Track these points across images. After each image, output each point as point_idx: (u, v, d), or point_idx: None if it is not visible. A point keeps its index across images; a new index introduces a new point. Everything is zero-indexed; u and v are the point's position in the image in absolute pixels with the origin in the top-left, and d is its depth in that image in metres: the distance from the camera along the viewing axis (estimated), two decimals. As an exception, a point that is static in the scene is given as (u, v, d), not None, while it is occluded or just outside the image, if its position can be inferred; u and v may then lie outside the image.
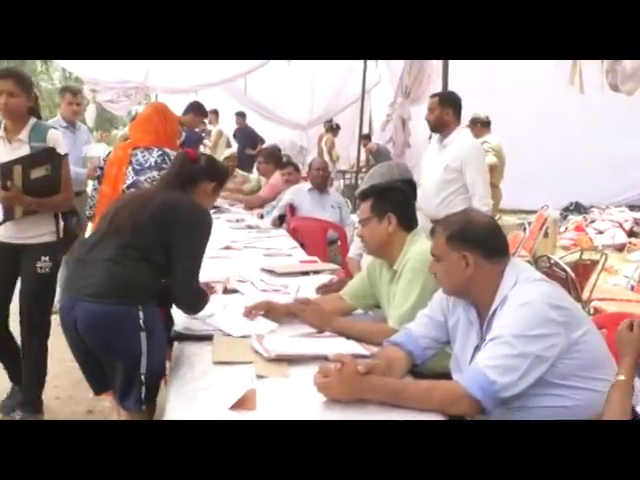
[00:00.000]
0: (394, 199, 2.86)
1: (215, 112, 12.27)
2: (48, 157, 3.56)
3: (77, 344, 2.57)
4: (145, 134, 3.78)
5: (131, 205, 2.69)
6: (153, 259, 2.56)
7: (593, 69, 5.28)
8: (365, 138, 11.46)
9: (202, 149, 11.45)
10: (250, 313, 2.86)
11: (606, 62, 5.07)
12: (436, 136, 4.72)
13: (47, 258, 3.64)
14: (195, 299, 2.72)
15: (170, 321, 2.87)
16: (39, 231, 3.65)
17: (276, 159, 7.17)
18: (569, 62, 7.91)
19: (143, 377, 2.48)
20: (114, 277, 2.49)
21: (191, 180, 2.84)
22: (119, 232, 2.59)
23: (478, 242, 2.16)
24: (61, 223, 3.77)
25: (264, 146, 9.16)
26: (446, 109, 4.54)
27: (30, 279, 3.63)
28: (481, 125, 6.89)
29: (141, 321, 2.46)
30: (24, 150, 3.54)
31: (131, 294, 2.48)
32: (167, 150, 3.74)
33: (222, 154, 10.25)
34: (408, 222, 2.85)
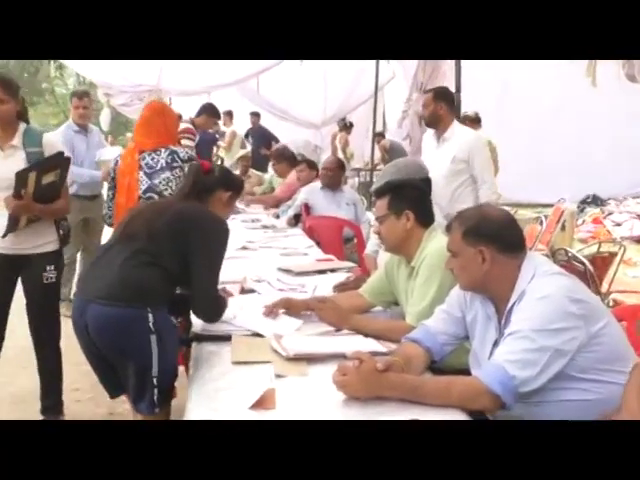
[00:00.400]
0: (411, 195, 2.85)
1: (229, 113, 12.31)
2: (59, 162, 3.50)
3: (89, 347, 2.59)
4: (148, 137, 3.82)
5: (147, 213, 2.73)
6: (166, 265, 2.57)
7: (609, 60, 5.24)
8: (378, 135, 11.45)
9: (216, 150, 11.52)
10: (271, 312, 2.86)
11: (623, 53, 5.04)
12: (431, 131, 4.80)
13: (52, 267, 3.59)
14: (213, 308, 2.72)
15: (188, 323, 2.88)
16: (43, 240, 3.57)
17: (287, 158, 7.18)
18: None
19: (155, 380, 2.49)
20: (124, 280, 2.50)
21: (206, 190, 2.87)
22: (133, 238, 2.61)
23: (494, 237, 2.15)
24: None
25: (274, 147, 9.17)
26: (440, 104, 4.62)
27: (37, 290, 3.57)
28: (470, 122, 6.90)
29: (151, 324, 2.47)
30: (19, 156, 3.44)
31: (141, 297, 2.48)
32: (174, 148, 3.78)
33: (236, 155, 10.30)
34: (425, 218, 2.84)
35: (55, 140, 3.65)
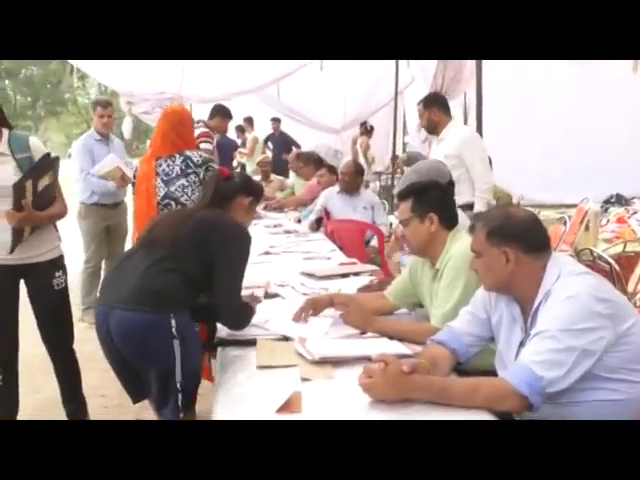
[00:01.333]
0: (434, 198, 2.84)
1: (249, 120, 12.36)
2: (50, 163, 3.39)
3: (113, 353, 2.60)
4: (164, 145, 3.86)
5: (170, 220, 2.76)
6: (189, 272, 2.59)
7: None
8: (394, 158, 11.33)
9: (238, 157, 11.57)
10: (300, 317, 2.87)
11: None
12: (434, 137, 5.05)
13: (60, 272, 3.54)
14: (237, 316, 2.73)
15: (212, 329, 2.90)
16: (48, 247, 3.49)
17: (314, 161, 7.27)
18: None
19: (179, 385, 2.50)
20: (147, 286, 2.52)
21: (227, 197, 2.89)
22: (156, 245, 2.64)
23: (518, 237, 2.14)
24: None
25: (302, 150, 9.24)
26: (432, 109, 4.86)
27: (49, 297, 3.52)
28: None
29: (174, 329, 2.48)
30: (9, 162, 3.30)
31: (163, 302, 2.50)
32: (188, 153, 3.81)
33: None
34: (449, 220, 2.83)
35: (39, 142, 3.51)
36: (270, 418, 1.95)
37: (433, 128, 4.91)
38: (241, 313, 2.74)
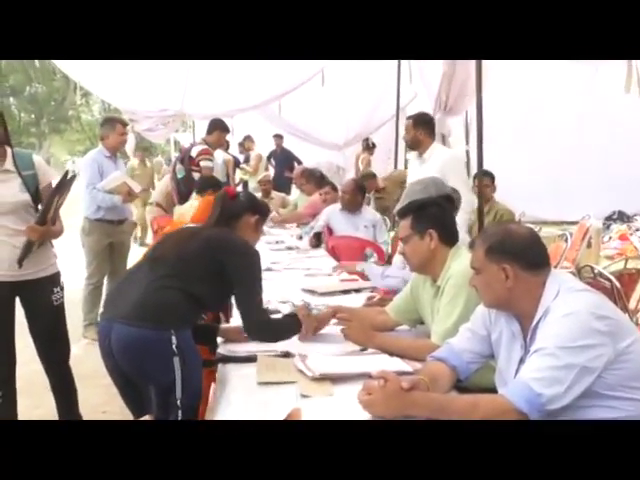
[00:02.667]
0: (433, 215, 2.85)
1: (249, 137, 12.38)
2: (71, 181, 3.47)
3: (114, 368, 2.61)
4: None
5: (177, 237, 2.78)
6: (192, 290, 2.60)
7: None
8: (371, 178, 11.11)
9: (240, 173, 11.60)
10: (306, 337, 2.88)
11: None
12: (414, 153, 5.22)
13: (58, 288, 3.58)
14: (267, 331, 2.76)
15: (214, 346, 2.90)
16: (46, 263, 3.54)
17: (317, 179, 7.32)
18: (607, 72, 7.87)
19: (179, 402, 2.50)
20: (148, 301, 2.53)
21: (233, 216, 2.91)
22: (161, 261, 2.65)
23: (517, 254, 2.14)
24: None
25: (307, 167, 9.28)
26: (419, 130, 5.02)
27: (48, 313, 3.55)
28: None
29: (174, 346, 2.48)
30: (14, 180, 3.37)
31: (164, 318, 2.50)
32: None
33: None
34: (449, 237, 2.84)
35: (42, 160, 3.61)
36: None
37: (415, 145, 5.09)
38: (269, 327, 2.77)
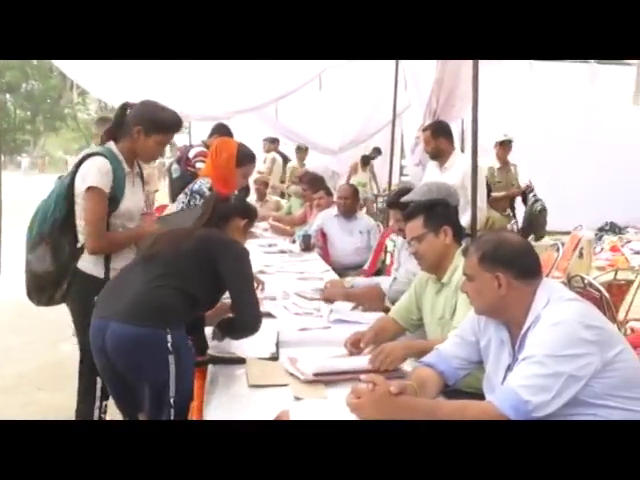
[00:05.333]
0: (445, 212, 2.92)
1: (273, 140, 12.26)
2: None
3: (107, 367, 2.60)
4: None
5: (171, 236, 2.78)
6: (187, 288, 2.60)
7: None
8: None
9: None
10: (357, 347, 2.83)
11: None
12: (434, 162, 5.16)
13: None
14: (259, 324, 2.77)
15: (203, 345, 2.91)
16: None
17: (316, 182, 7.28)
18: (603, 84, 7.92)
19: (172, 401, 2.50)
20: (143, 300, 2.53)
21: (223, 217, 2.93)
22: (156, 260, 2.66)
23: (511, 262, 2.16)
24: None
25: (309, 170, 9.26)
26: (440, 139, 5.01)
27: None
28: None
29: (169, 344, 2.48)
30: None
31: (159, 317, 2.50)
32: (200, 185, 3.77)
33: (275, 181, 10.39)
34: (460, 234, 2.90)
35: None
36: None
37: (438, 156, 5.04)
38: (260, 320, 2.79)
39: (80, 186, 3.00)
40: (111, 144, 3.13)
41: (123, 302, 2.54)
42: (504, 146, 7.72)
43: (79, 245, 3.04)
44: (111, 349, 2.52)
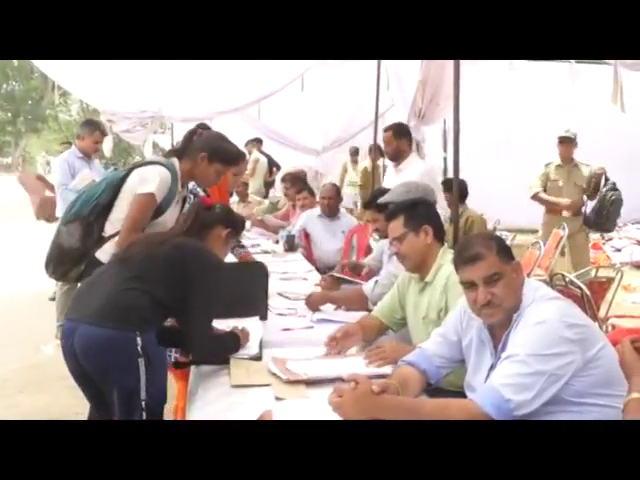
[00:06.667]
0: (425, 212, 2.93)
1: (258, 140, 12.23)
2: None
3: (77, 368, 2.57)
4: None
5: (147, 241, 2.74)
6: (158, 293, 2.56)
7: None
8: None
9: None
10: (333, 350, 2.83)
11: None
12: (391, 163, 5.26)
13: None
14: (208, 347, 2.69)
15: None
16: None
17: (301, 183, 7.27)
18: (587, 83, 7.95)
19: (144, 404, 2.47)
20: (115, 302, 2.50)
21: (205, 226, 2.86)
22: (129, 264, 2.63)
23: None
24: None
25: (290, 171, 9.25)
26: (402, 141, 5.08)
27: None
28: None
29: (139, 347, 2.45)
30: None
31: (129, 320, 2.47)
32: (195, 185, 3.77)
33: (259, 182, 10.35)
34: (441, 233, 2.90)
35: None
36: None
37: (397, 156, 5.11)
38: (212, 344, 2.70)
39: (136, 185, 3.16)
40: (175, 161, 3.29)
41: (93, 304, 2.51)
42: (565, 143, 7.29)
43: (105, 235, 3.18)
44: (80, 351, 2.49)
